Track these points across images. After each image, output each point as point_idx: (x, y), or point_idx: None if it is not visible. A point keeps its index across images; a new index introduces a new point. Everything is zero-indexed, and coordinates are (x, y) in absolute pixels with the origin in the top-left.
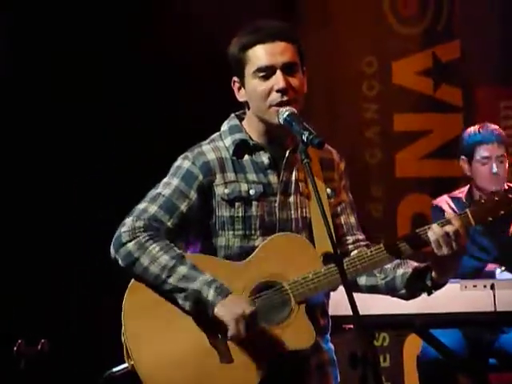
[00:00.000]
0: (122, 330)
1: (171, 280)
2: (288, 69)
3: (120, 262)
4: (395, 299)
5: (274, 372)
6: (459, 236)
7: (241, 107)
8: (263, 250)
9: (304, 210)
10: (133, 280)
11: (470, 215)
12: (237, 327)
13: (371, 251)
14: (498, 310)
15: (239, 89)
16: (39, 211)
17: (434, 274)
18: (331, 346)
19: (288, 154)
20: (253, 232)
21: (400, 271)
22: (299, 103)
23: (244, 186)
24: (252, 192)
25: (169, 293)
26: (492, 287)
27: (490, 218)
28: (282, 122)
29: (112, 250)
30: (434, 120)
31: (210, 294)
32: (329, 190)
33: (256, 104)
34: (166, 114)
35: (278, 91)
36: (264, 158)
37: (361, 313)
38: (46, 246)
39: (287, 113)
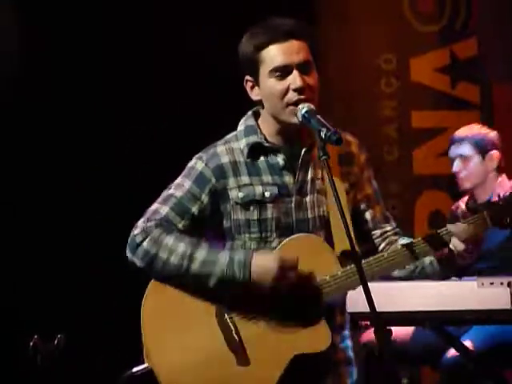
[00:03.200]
0: (142, 330)
1: (193, 268)
2: (303, 68)
3: (138, 263)
4: (410, 296)
5: (288, 374)
6: (478, 237)
7: (252, 105)
8: (281, 252)
9: (321, 209)
10: (153, 280)
11: (487, 216)
12: (283, 279)
13: (388, 253)
14: None
15: (252, 87)
16: (55, 205)
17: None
18: (349, 343)
19: (303, 152)
20: (269, 234)
21: (427, 260)
22: (315, 101)
23: (258, 189)
24: (267, 194)
25: (195, 281)
26: (509, 285)
27: (508, 220)
28: (300, 119)
29: (128, 254)
30: (452, 117)
31: (237, 273)
32: (347, 185)
33: (272, 103)
34: (173, 114)
35: (295, 90)
36: (279, 158)
37: (378, 310)
38: (65, 239)
39: (305, 109)
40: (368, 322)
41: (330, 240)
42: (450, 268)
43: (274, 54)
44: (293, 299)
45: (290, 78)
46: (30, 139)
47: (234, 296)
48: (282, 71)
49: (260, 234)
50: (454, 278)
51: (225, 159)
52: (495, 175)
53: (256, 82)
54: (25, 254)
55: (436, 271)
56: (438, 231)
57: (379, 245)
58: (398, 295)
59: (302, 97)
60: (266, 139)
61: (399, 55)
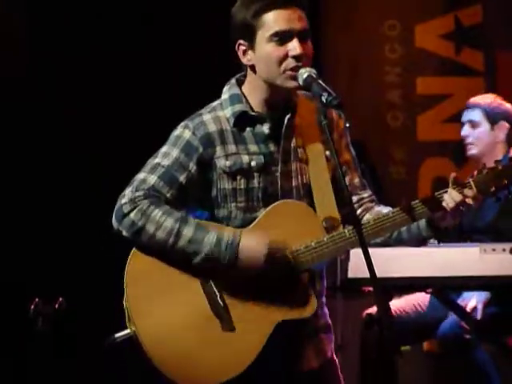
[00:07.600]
0: (124, 296)
1: (180, 245)
2: (303, 36)
3: (124, 232)
4: (413, 262)
5: (270, 339)
6: (468, 204)
7: (233, 74)
8: (266, 218)
9: (304, 177)
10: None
11: (473, 185)
12: (272, 265)
13: (384, 215)
14: None
15: (245, 52)
16: (57, 185)
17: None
18: (326, 310)
19: (287, 120)
20: (255, 204)
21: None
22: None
23: (245, 158)
24: (253, 164)
25: (180, 257)
26: (511, 251)
27: (493, 188)
28: (301, 83)
29: (114, 222)
30: (456, 83)
31: (223, 256)
32: (328, 153)
33: (269, 69)
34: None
35: (293, 57)
36: (264, 127)
37: (378, 276)
38: (64, 205)
39: (307, 74)
40: (370, 288)
41: (312, 208)
42: (439, 229)
43: (276, 19)
44: (277, 277)
45: (289, 45)
46: (29, 139)
47: (219, 270)
48: (283, 36)
49: (247, 203)
50: (431, 242)
51: (212, 128)
52: (504, 146)
53: (250, 47)
54: (25, 218)
55: (411, 237)
56: (435, 194)
57: (356, 211)
58: (400, 261)
59: (300, 64)
60: (251, 108)
61: (404, 21)
